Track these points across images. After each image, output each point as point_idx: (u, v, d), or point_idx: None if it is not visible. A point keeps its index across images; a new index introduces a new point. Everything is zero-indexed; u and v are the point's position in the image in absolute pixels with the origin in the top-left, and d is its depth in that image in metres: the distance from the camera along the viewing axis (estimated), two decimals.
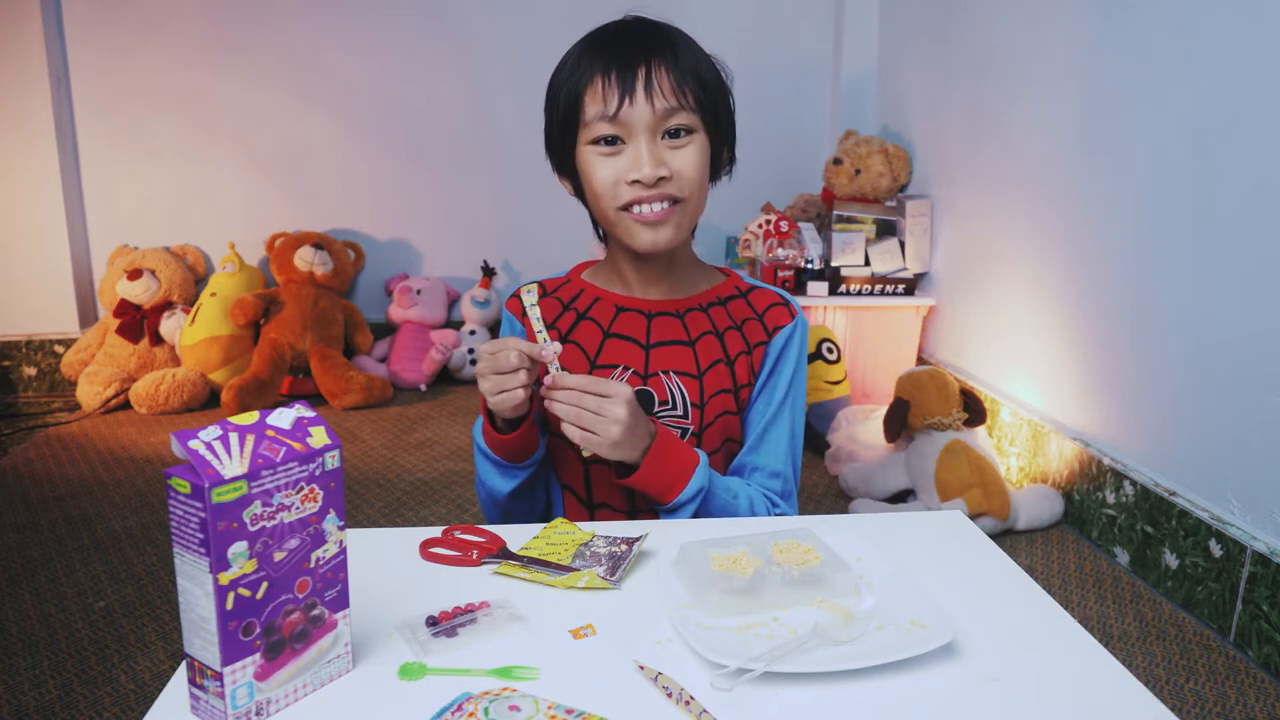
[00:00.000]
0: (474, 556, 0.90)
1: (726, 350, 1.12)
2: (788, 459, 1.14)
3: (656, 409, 1.10)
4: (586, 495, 1.13)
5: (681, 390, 1.10)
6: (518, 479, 1.09)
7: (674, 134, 1.03)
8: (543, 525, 0.97)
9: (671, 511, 1.04)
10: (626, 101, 1.00)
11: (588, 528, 0.96)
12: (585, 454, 1.00)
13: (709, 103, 1.04)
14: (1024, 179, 2.50)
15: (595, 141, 1.03)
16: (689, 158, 1.03)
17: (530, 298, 1.04)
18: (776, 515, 1.12)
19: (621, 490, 1.10)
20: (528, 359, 0.97)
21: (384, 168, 3.54)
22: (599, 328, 1.12)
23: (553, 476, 1.16)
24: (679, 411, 1.10)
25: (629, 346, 1.11)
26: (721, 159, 1.10)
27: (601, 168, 1.03)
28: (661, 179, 1.02)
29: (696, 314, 1.13)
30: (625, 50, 1.02)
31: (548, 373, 0.99)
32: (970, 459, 2.24)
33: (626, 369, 1.10)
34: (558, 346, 0.99)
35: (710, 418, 1.11)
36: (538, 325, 1.02)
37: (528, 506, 1.14)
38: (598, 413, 0.97)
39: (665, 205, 1.03)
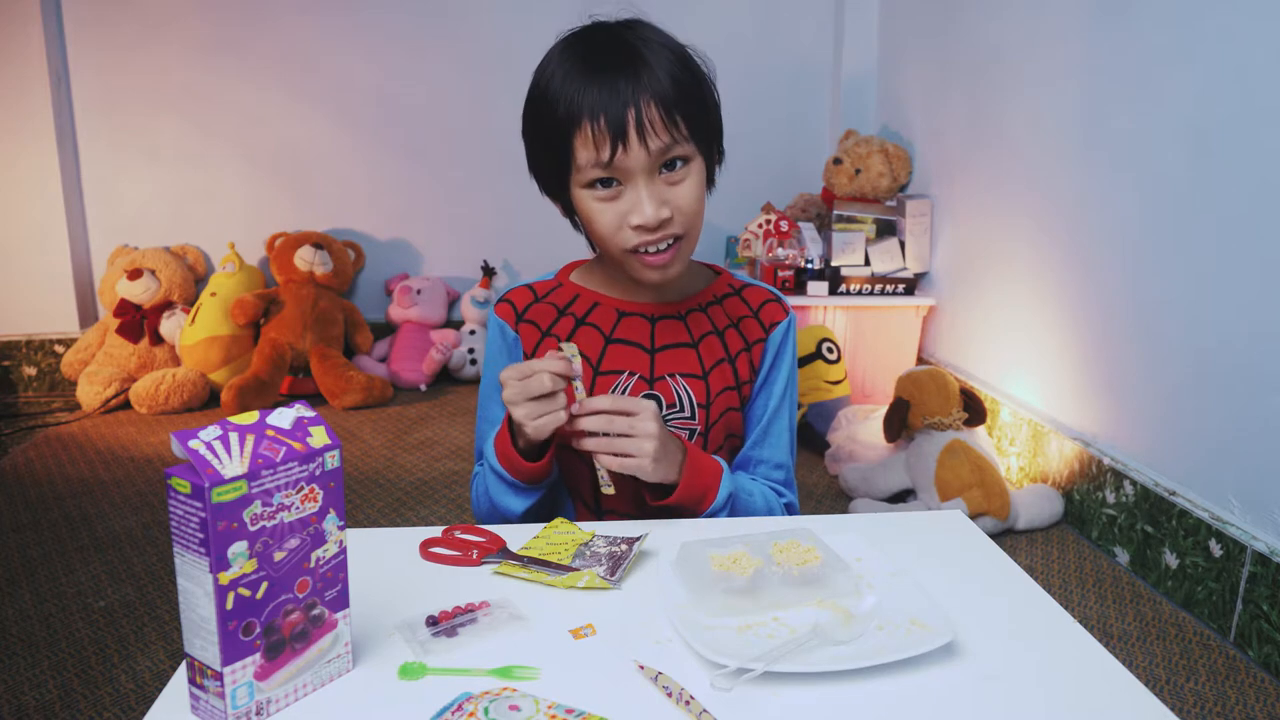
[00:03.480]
0: (474, 556, 0.90)
1: (727, 348, 1.12)
2: (788, 449, 1.16)
3: (664, 413, 1.09)
4: (594, 502, 1.12)
5: (688, 392, 1.10)
6: (534, 498, 1.07)
7: (670, 166, 0.99)
8: (543, 525, 0.97)
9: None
10: (620, 148, 0.96)
11: (588, 527, 0.96)
12: (606, 489, 0.99)
13: (701, 122, 1.01)
14: (1024, 179, 2.50)
15: (591, 185, 0.99)
16: (688, 191, 1.00)
17: (571, 349, 0.98)
18: (785, 504, 1.14)
19: (630, 498, 1.10)
20: (560, 379, 0.96)
21: (384, 168, 3.54)
22: (600, 333, 1.10)
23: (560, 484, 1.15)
24: (686, 414, 1.10)
25: (633, 351, 1.10)
26: (714, 164, 1.07)
27: (602, 213, 1.00)
28: (664, 220, 0.99)
29: (697, 314, 1.12)
30: (609, 86, 0.96)
31: (573, 398, 0.98)
32: (970, 459, 2.24)
33: (632, 374, 1.09)
34: (574, 351, 0.97)
35: (715, 416, 1.11)
36: (578, 379, 0.98)
37: (538, 519, 1.12)
38: (629, 433, 0.96)
39: (669, 245, 1.01)
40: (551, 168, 1.02)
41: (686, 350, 1.10)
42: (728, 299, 1.15)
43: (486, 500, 1.10)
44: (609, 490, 0.99)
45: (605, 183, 0.99)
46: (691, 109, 0.99)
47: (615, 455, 0.97)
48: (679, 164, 1.00)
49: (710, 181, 1.07)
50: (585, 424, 0.97)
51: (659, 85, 0.97)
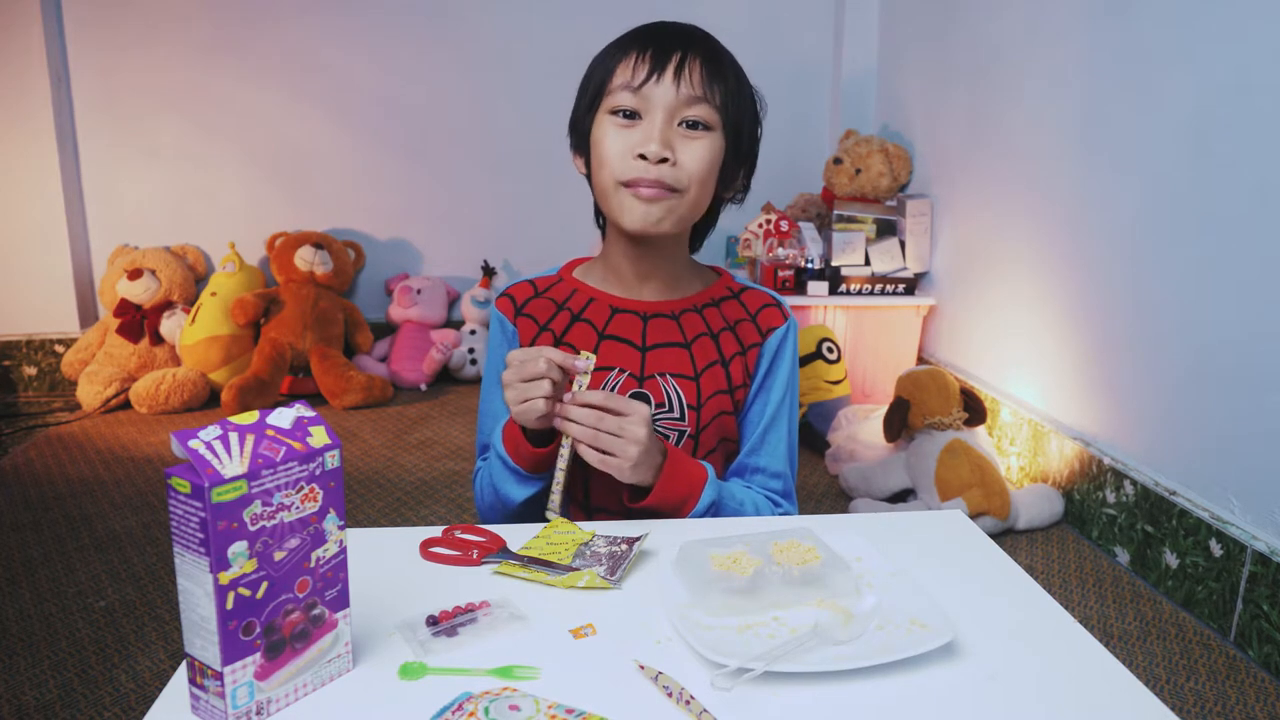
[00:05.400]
0: (474, 556, 0.90)
1: (721, 351, 1.12)
2: (787, 459, 1.15)
3: (653, 412, 1.09)
4: (584, 498, 1.13)
5: (678, 392, 1.10)
6: (535, 488, 1.08)
7: (691, 124, 1.03)
8: (543, 525, 0.97)
9: None
10: (654, 78, 1.01)
11: (588, 527, 0.96)
12: (551, 513, 1.01)
13: (733, 110, 1.05)
14: (1024, 179, 2.50)
15: (614, 112, 1.03)
16: (698, 151, 1.03)
17: (589, 358, 1.00)
18: (780, 514, 1.13)
19: (616, 493, 1.10)
20: (557, 369, 0.96)
21: (384, 167, 3.54)
22: (594, 329, 1.11)
23: None
24: (675, 414, 1.10)
25: (625, 349, 1.10)
26: (735, 176, 1.10)
27: (613, 137, 1.03)
28: (665, 160, 1.01)
29: (691, 315, 1.13)
30: (668, 37, 1.03)
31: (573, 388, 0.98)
32: (970, 459, 2.24)
33: (622, 371, 1.09)
34: (591, 361, 0.98)
35: (707, 419, 1.11)
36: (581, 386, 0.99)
37: (536, 513, 1.13)
38: (617, 434, 0.97)
39: (664, 191, 1.03)
40: (588, 101, 1.07)
41: (679, 350, 1.11)
42: (725, 302, 1.15)
43: (490, 493, 1.10)
44: (553, 514, 1.01)
45: (629, 115, 1.03)
46: (730, 96, 1.04)
47: (598, 451, 0.98)
48: (699, 126, 1.04)
49: (725, 184, 1.10)
50: (575, 415, 0.97)
51: (713, 58, 1.04)
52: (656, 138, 1.01)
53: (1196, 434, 1.91)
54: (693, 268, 1.17)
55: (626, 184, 1.03)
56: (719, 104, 1.03)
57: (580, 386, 0.98)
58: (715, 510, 1.04)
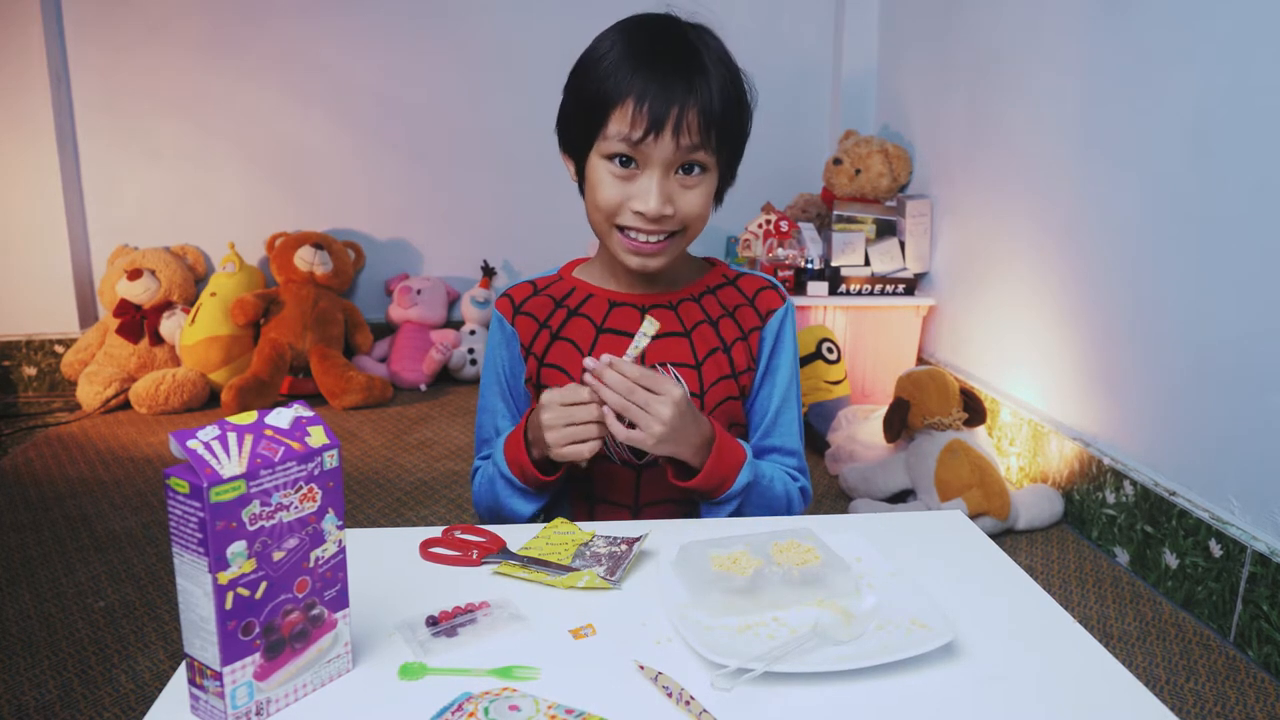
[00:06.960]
0: (474, 556, 0.90)
1: (722, 337, 1.13)
2: (799, 436, 1.16)
3: None
4: (587, 489, 1.13)
5: (680, 381, 1.10)
6: (542, 503, 1.09)
7: (688, 169, 1.02)
8: (543, 525, 0.97)
9: (717, 505, 1.06)
10: (653, 136, 0.99)
11: (588, 528, 0.96)
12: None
13: (730, 143, 1.05)
14: (1024, 179, 2.50)
15: (611, 157, 1.02)
16: (696, 198, 1.03)
17: (650, 329, 1.01)
18: (800, 488, 1.14)
19: (627, 487, 1.11)
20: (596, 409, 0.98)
21: (384, 167, 3.54)
22: (592, 324, 1.12)
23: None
24: None
25: (624, 341, 1.10)
26: (726, 184, 1.11)
27: (610, 187, 1.02)
28: (664, 216, 1.02)
29: (689, 304, 1.13)
30: (664, 76, 0.99)
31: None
32: (970, 459, 2.24)
33: None
34: (655, 326, 0.99)
35: (711, 405, 1.11)
36: (638, 348, 1.00)
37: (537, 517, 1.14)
38: (645, 409, 0.97)
39: (662, 239, 1.04)
40: (581, 129, 1.04)
41: (679, 340, 1.11)
42: (722, 289, 1.16)
43: (490, 497, 1.11)
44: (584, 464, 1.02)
45: (625, 161, 1.02)
46: (727, 128, 1.03)
47: (623, 424, 0.98)
48: (696, 170, 1.03)
49: (719, 199, 1.10)
50: (610, 380, 0.97)
51: (708, 96, 1.00)
52: (655, 194, 1.00)
53: (1196, 434, 1.91)
54: (689, 261, 1.18)
55: (623, 230, 1.04)
56: (715, 146, 1.02)
57: (635, 350, 0.99)
58: (748, 490, 1.05)
